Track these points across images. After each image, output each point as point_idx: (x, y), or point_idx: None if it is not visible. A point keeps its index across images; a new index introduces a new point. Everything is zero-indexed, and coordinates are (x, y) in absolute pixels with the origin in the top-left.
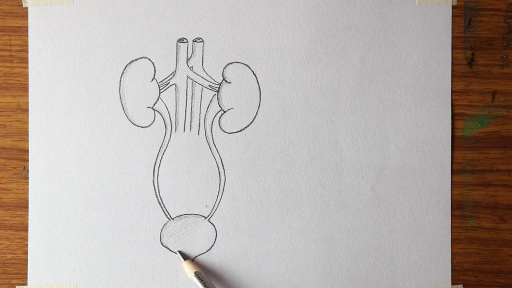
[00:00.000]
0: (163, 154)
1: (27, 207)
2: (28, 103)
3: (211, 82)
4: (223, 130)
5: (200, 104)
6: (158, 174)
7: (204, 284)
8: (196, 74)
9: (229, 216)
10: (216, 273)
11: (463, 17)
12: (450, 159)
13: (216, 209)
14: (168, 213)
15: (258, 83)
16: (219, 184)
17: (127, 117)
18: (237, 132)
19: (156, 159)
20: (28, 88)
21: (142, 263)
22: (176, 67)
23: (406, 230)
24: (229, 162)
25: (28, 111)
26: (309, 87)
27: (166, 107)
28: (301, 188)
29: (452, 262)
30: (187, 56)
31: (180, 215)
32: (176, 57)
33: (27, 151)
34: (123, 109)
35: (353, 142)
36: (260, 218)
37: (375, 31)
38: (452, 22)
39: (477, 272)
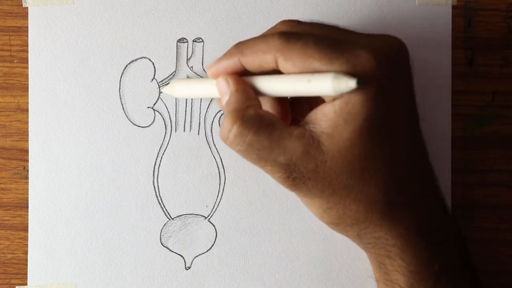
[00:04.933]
0: (163, 154)
1: (27, 207)
2: (28, 103)
3: None
4: None
5: (200, 104)
6: (158, 174)
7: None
8: (196, 74)
9: (229, 216)
10: (216, 273)
11: (463, 17)
12: (450, 159)
13: (216, 209)
14: (168, 213)
15: None
16: (219, 184)
17: (127, 117)
18: None
19: (156, 159)
20: (28, 88)
21: (142, 263)
22: (176, 67)
23: None
24: (229, 162)
25: (28, 111)
26: None
27: (166, 107)
28: None
29: None
30: (187, 56)
31: (180, 215)
32: (176, 57)
33: (27, 151)
34: (123, 109)
35: None
36: (260, 218)
37: (375, 31)
38: (452, 22)
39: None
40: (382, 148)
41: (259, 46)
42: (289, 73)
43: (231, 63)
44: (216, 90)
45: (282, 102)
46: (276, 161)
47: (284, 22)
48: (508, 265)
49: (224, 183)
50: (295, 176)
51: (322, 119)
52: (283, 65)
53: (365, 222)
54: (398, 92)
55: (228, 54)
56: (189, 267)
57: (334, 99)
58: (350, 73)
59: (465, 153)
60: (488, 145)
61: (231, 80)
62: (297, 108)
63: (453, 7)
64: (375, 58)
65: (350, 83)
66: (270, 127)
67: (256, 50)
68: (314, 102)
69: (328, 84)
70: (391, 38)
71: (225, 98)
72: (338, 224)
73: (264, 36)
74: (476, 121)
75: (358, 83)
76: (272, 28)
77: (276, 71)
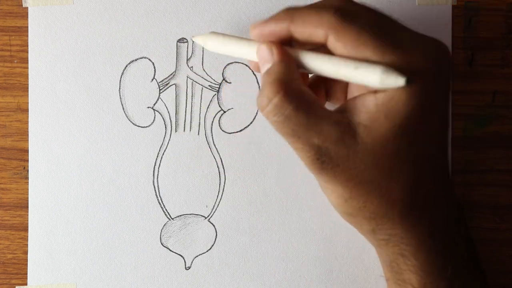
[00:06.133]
0: (163, 154)
1: (27, 207)
2: (28, 103)
3: (211, 82)
4: (223, 130)
5: (200, 104)
6: (158, 174)
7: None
8: (196, 74)
9: (229, 216)
10: (216, 273)
11: (463, 17)
12: (450, 159)
13: (216, 209)
14: (168, 213)
15: (258, 83)
16: (219, 184)
17: (127, 117)
18: (237, 132)
19: (156, 159)
20: (28, 88)
21: (142, 263)
22: (176, 67)
23: None
24: (229, 162)
25: (28, 111)
26: None
27: (166, 107)
28: (301, 188)
29: None
30: (187, 56)
31: (180, 215)
32: (176, 57)
33: (27, 151)
34: (123, 109)
35: None
36: (260, 218)
37: None
38: (452, 22)
39: None
40: (414, 150)
41: (311, 18)
42: (337, 53)
43: (278, 28)
44: (252, 54)
45: (319, 83)
46: (309, 141)
47: None
48: (508, 265)
49: (224, 183)
50: (324, 159)
51: (362, 110)
52: (333, 43)
53: (383, 218)
54: (438, 97)
55: (277, 17)
56: (189, 267)
57: (377, 91)
58: (400, 69)
59: (465, 153)
60: (488, 145)
61: (275, 49)
62: (331, 89)
63: (453, 7)
64: (426, 59)
65: (399, 81)
66: (310, 105)
67: (308, 21)
68: (349, 89)
69: (376, 76)
70: (440, 43)
71: (266, 67)
72: (355, 216)
73: (317, 8)
74: (476, 121)
75: (407, 81)
76: (324, 0)
77: (323, 46)
